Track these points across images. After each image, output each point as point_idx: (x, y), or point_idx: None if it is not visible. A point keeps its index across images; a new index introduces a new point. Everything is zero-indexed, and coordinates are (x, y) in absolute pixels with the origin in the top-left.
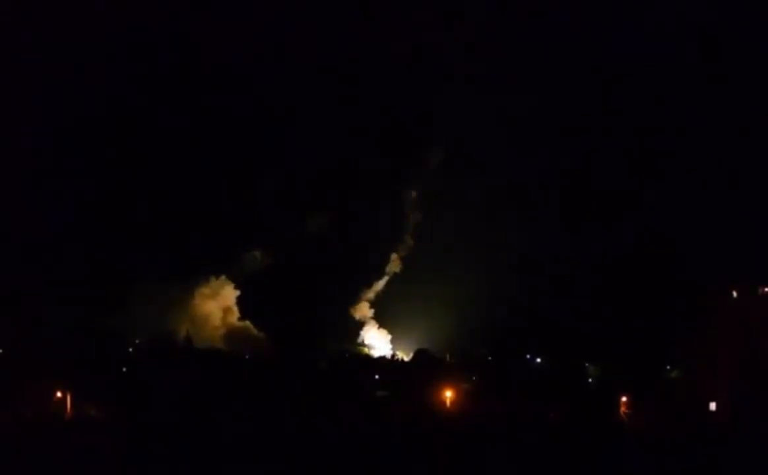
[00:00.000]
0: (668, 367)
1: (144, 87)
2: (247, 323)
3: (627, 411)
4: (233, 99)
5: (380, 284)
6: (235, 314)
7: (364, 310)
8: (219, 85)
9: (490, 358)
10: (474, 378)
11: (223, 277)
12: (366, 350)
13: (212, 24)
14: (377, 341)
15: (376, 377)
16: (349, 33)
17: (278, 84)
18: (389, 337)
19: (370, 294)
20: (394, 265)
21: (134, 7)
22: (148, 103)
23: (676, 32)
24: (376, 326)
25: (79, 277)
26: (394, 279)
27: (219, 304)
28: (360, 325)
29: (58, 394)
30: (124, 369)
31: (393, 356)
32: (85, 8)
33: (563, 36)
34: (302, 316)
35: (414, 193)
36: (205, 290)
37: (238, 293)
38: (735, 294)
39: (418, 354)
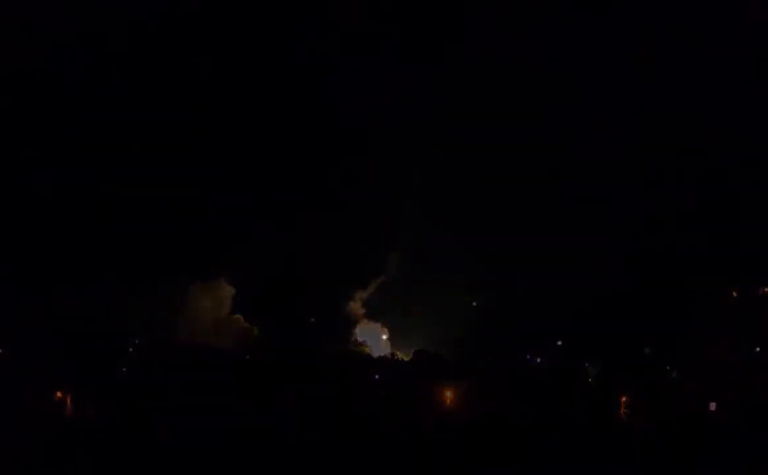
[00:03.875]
0: (668, 367)
1: (142, 88)
2: (238, 316)
3: (627, 411)
4: (231, 100)
5: (380, 283)
6: (227, 308)
7: (359, 309)
8: (216, 86)
9: (490, 358)
10: (474, 378)
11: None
12: (368, 349)
13: (212, 24)
14: (375, 340)
15: (376, 376)
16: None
17: (276, 84)
18: (386, 336)
19: (369, 293)
20: (393, 265)
21: None
22: (147, 103)
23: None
24: (373, 324)
25: (79, 276)
26: (394, 279)
27: (215, 303)
28: (354, 323)
29: (58, 394)
30: (124, 369)
31: (393, 355)
32: None
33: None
34: (299, 314)
35: (414, 193)
36: (202, 290)
37: (233, 290)
38: (735, 294)
39: (418, 354)
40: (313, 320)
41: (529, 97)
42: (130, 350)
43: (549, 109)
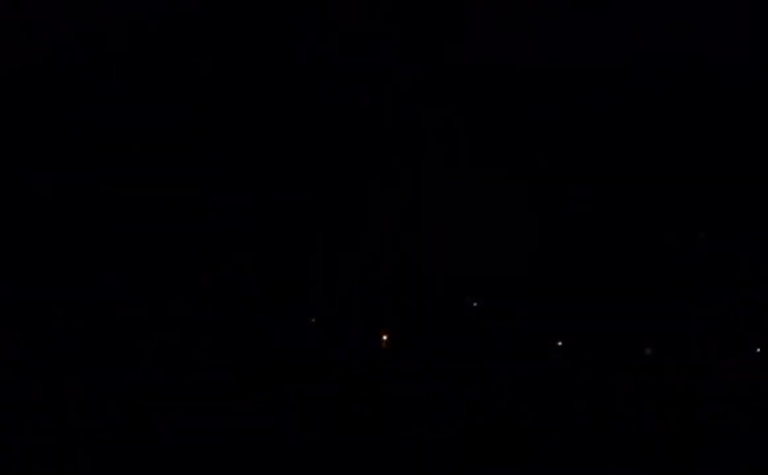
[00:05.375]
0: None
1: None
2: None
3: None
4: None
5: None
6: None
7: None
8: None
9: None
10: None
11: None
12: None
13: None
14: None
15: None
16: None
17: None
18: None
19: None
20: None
21: None
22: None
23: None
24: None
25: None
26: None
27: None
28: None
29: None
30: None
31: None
32: None
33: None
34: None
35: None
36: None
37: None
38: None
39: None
40: (313, 320)
41: (528, 97)
42: (131, 350)
43: (549, 109)
